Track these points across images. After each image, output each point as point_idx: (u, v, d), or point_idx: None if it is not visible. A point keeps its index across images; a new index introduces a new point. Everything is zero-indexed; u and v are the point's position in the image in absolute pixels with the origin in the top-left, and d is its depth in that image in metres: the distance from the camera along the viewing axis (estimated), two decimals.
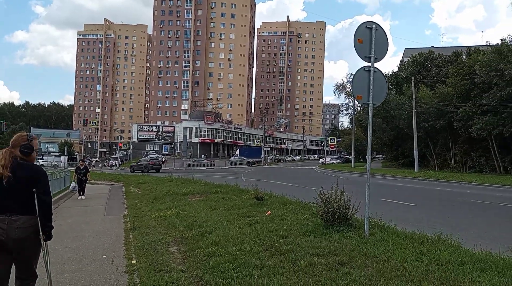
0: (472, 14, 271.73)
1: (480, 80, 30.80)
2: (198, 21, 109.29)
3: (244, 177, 26.85)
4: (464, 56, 41.04)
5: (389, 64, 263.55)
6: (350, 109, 68.55)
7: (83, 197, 14.55)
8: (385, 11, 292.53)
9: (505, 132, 29.31)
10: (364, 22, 6.64)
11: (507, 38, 31.29)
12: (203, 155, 69.57)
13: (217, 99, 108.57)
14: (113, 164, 64.27)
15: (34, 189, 3.30)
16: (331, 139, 65.38)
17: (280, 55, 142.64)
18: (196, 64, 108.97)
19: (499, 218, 10.26)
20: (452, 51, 45.08)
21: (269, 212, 8.63)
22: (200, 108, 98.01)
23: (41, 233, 3.32)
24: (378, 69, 6.61)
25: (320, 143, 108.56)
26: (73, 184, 14.93)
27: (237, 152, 70.39)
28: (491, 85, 30.13)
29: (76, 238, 7.47)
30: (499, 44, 31.45)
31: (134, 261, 5.56)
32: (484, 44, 38.04)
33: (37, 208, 3.30)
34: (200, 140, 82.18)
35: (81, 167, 15.01)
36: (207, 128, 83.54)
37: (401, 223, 7.59)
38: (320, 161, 68.09)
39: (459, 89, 33.79)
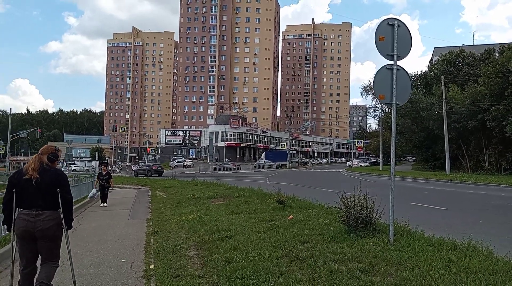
0: (505, 10, 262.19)
1: None
2: (223, 27, 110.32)
3: (269, 180, 26.71)
4: (497, 54, 39.51)
5: (418, 64, 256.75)
6: (378, 110, 67.29)
7: (105, 204, 13.86)
8: (413, 11, 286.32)
9: None
10: (385, 19, 6.37)
11: None
12: (226, 159, 69.77)
13: (242, 103, 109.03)
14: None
15: (58, 189, 3.99)
16: (358, 141, 64.13)
17: (306, 57, 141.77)
18: (222, 69, 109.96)
19: None
20: (484, 49, 43.49)
21: (291, 216, 8.47)
22: (225, 112, 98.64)
23: (64, 225, 4.08)
24: (401, 67, 6.34)
25: (347, 146, 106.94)
26: (94, 190, 14.14)
27: (263, 155, 70.28)
28: None
29: (98, 242, 7.56)
30: None
31: (152, 266, 5.55)
32: None
33: (60, 205, 4.02)
34: (226, 144, 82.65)
35: (103, 173, 14.16)
36: (233, 132, 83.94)
37: (429, 228, 7.26)
38: (347, 164, 66.94)
39: (492, 87, 32.43)
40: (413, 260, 4.95)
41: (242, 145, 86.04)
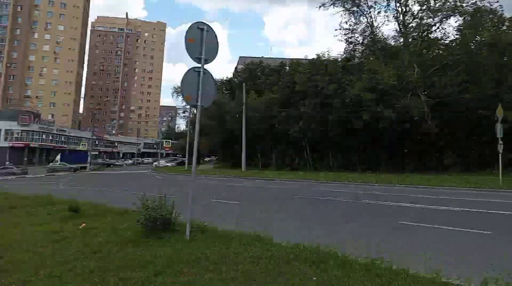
0: (295, 31, 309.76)
1: (299, 89, 35.22)
2: (19, 7, 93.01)
3: (63, 185, 23.82)
4: (287, 67, 46.18)
5: (225, 70, 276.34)
6: (187, 111, 69.28)
7: None
8: (224, 20, 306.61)
9: (316, 136, 34.27)
10: (196, 22, 6.53)
11: (321, 53, 36.94)
12: (6, 162, 58.11)
13: (36, 96, 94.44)
14: None
15: None
16: (166, 141, 64.63)
17: (117, 52, 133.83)
18: (13, 55, 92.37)
19: (301, 209, 11.40)
20: (279, 62, 50.20)
21: (83, 224, 7.68)
22: (14, 106, 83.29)
23: None
24: (207, 70, 6.60)
25: (155, 146, 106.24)
26: None
27: (58, 157, 62.21)
28: (307, 94, 34.78)
29: None
30: (314, 58, 36.77)
31: None
32: (303, 57, 43.48)
33: None
34: (11, 144, 69.61)
35: None
36: (21, 130, 71.40)
37: (225, 222, 7.76)
38: (153, 164, 66.52)
39: (281, 96, 37.93)
40: (205, 255, 5.15)
41: (32, 145, 73.95)
